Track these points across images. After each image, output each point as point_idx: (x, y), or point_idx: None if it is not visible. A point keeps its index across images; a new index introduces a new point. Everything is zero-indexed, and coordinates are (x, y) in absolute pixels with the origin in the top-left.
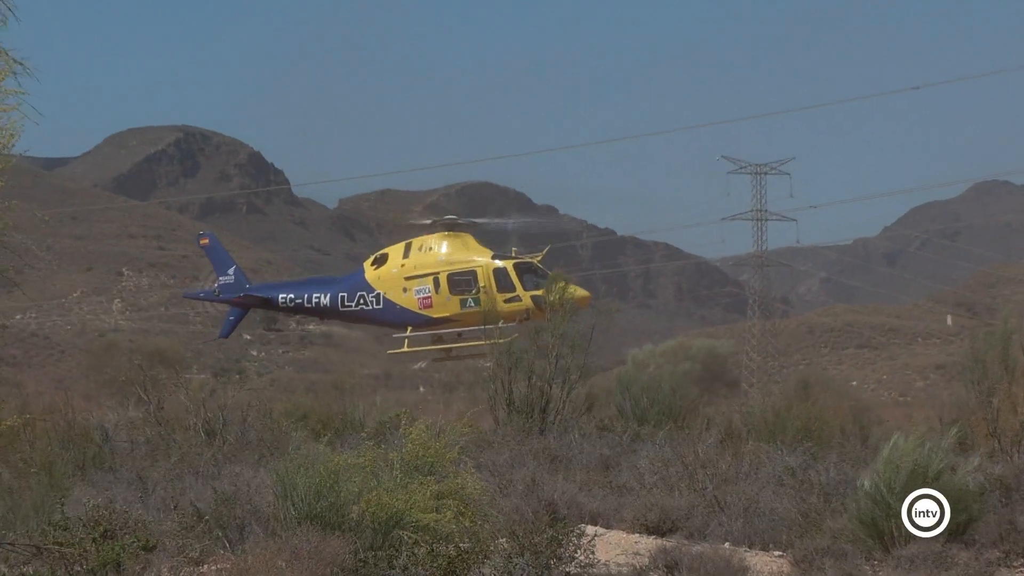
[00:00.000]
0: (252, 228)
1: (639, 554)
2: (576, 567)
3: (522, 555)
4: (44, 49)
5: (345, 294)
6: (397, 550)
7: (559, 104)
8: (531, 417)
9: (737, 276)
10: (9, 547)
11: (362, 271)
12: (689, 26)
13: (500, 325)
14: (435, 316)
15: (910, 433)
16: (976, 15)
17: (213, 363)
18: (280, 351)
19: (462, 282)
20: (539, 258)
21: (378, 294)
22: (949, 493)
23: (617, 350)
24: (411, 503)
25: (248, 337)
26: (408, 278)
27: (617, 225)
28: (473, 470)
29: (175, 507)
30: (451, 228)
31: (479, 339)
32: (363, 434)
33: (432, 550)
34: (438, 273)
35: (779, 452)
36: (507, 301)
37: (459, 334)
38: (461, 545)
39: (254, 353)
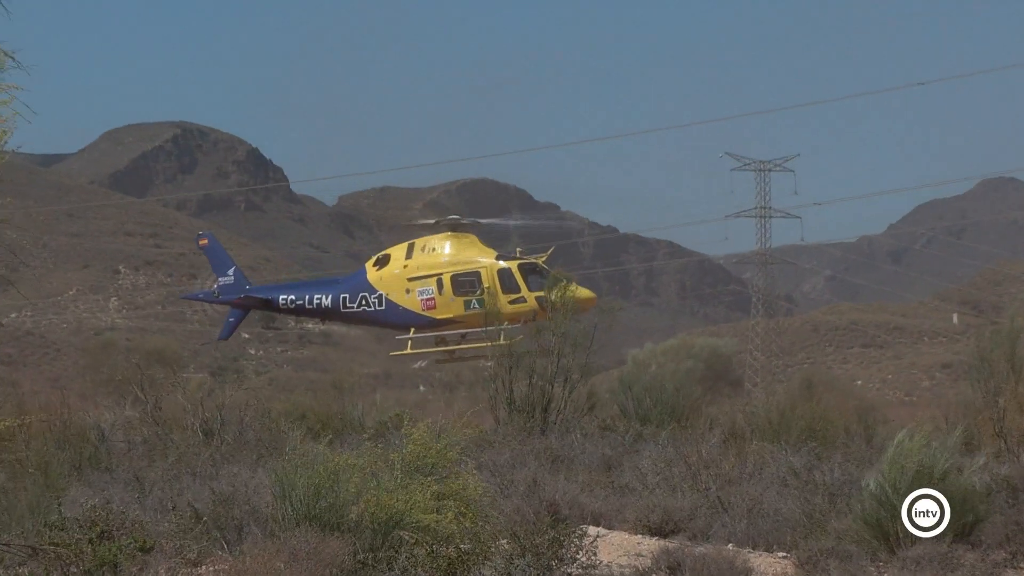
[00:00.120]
0: (250, 225)
1: (641, 555)
2: (578, 568)
3: (523, 556)
4: (41, 45)
5: (347, 295)
6: (397, 551)
7: (560, 101)
8: (532, 417)
9: (741, 274)
10: (5, 548)
11: (364, 272)
12: (693, 23)
13: (505, 327)
14: (438, 318)
15: (915, 433)
16: (982, 11)
17: (211, 362)
18: (278, 350)
19: (466, 283)
20: (543, 258)
21: (380, 295)
22: (955, 494)
23: (619, 349)
24: (411, 503)
25: (246, 336)
26: (411, 279)
27: (619, 222)
28: (474, 470)
29: (172, 508)
30: (454, 228)
31: (483, 341)
32: (364, 435)
33: (432, 551)
34: (441, 274)
35: (783, 452)
36: (512, 302)
37: (463, 335)
38: (462, 546)
39: (252, 352)
